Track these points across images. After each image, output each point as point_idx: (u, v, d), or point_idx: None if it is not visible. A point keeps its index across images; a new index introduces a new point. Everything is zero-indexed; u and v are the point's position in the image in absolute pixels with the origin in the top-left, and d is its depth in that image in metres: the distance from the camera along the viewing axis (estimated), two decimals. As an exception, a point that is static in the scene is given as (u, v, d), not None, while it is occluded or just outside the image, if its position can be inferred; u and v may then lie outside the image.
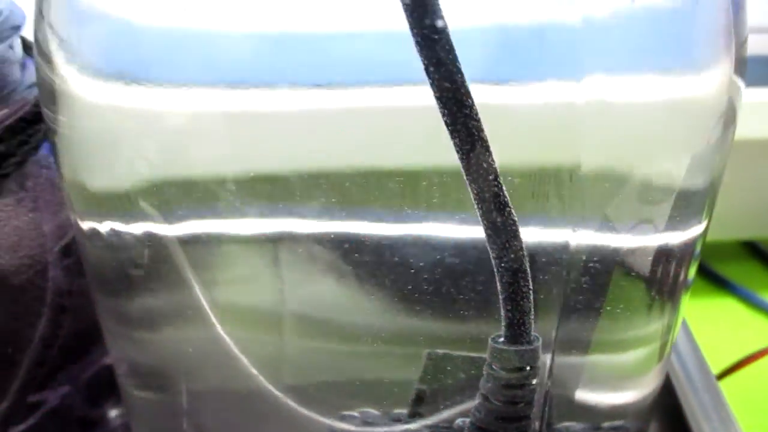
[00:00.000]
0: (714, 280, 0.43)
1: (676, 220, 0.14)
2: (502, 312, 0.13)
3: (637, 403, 0.17)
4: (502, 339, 0.13)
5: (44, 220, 0.17)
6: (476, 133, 0.11)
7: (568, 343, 0.14)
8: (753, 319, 0.41)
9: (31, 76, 0.17)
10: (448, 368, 0.15)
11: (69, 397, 0.19)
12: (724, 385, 0.26)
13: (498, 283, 0.13)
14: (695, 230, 0.15)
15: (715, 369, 0.28)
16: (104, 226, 0.14)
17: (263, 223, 0.13)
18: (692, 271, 0.16)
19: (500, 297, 0.13)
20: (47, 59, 0.13)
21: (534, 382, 0.14)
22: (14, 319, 0.16)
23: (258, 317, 0.15)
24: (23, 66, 0.17)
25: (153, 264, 0.14)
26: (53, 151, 0.14)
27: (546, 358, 0.15)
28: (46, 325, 0.17)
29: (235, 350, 0.14)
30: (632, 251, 0.14)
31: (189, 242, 0.13)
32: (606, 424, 0.17)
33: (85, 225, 0.14)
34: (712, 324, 0.40)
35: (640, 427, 0.18)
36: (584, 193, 0.13)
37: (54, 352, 0.17)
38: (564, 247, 0.13)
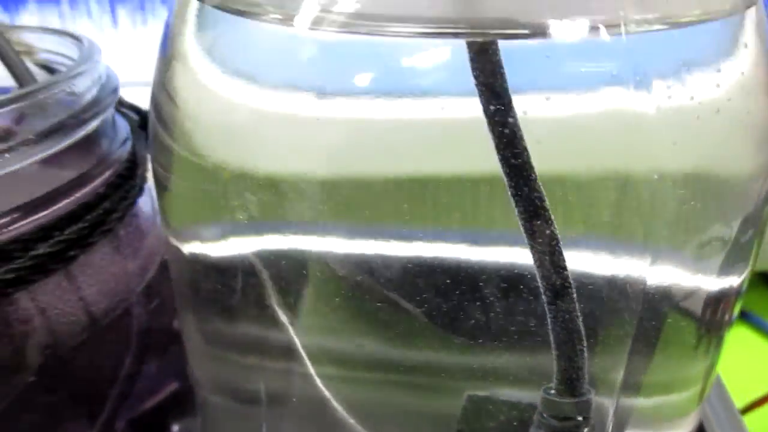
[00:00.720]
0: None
1: (734, 256, 0.15)
2: (555, 365, 0.14)
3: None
4: (553, 390, 0.15)
5: (129, 264, 0.18)
6: (539, 204, 0.13)
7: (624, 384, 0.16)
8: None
9: (120, 131, 0.19)
10: (489, 411, 0.17)
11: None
12: (748, 420, 0.27)
13: (552, 340, 0.14)
14: (748, 266, 0.16)
15: (738, 402, 0.29)
16: (205, 263, 0.15)
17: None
18: (737, 309, 0.17)
19: (553, 352, 0.14)
20: (165, 126, 0.14)
21: (586, 430, 0.15)
22: (104, 357, 0.18)
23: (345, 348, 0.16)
24: (114, 122, 0.19)
25: (246, 296, 0.15)
26: (160, 202, 0.15)
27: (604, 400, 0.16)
28: (131, 361, 0.18)
29: (320, 385, 0.16)
30: (694, 290, 0.15)
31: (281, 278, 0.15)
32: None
33: (187, 255, 0.16)
34: (730, 355, 0.41)
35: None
36: (662, 230, 0.14)
37: (141, 389, 0.18)
38: (640, 284, 0.14)
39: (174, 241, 0.16)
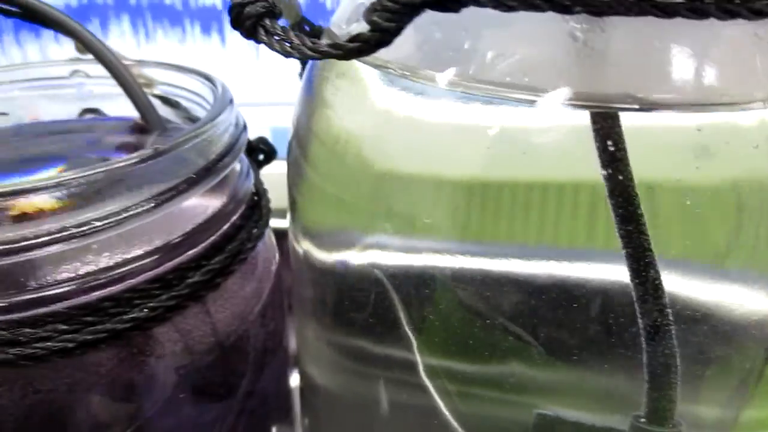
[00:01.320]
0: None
1: None
2: (646, 394, 0.16)
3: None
4: (643, 419, 0.16)
5: (248, 288, 0.20)
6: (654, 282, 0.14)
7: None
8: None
9: (244, 164, 0.20)
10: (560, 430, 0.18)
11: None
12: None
13: (645, 370, 0.15)
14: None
15: None
16: (340, 280, 0.17)
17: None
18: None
19: (646, 382, 0.15)
20: (309, 161, 0.16)
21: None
22: (224, 375, 0.19)
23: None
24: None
25: (375, 310, 0.17)
26: (295, 224, 0.17)
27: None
28: (249, 379, 0.20)
29: (434, 395, 0.17)
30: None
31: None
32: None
33: (321, 269, 0.17)
34: None
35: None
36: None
37: (254, 403, 0.20)
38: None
39: (308, 259, 0.17)
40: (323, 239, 0.17)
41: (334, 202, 0.16)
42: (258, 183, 0.20)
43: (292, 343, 0.22)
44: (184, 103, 0.22)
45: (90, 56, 0.21)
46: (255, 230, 0.18)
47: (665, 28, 0.11)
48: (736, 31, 0.12)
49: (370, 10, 0.12)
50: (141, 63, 0.22)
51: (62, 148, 0.22)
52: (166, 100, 0.22)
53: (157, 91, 0.22)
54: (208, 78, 0.20)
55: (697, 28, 0.11)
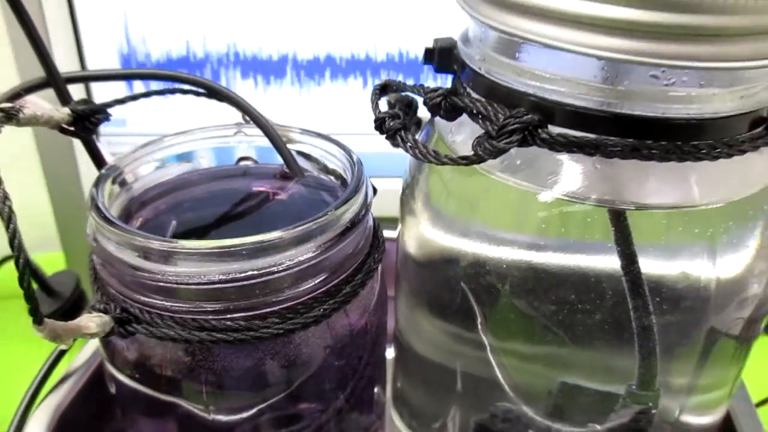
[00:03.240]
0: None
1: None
2: (637, 370, 0.24)
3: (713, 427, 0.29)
4: (635, 386, 0.25)
5: (367, 289, 0.29)
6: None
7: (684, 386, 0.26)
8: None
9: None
10: (580, 394, 0.27)
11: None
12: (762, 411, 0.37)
13: (637, 355, 0.24)
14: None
15: (755, 398, 0.40)
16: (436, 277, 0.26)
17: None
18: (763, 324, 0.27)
19: (637, 363, 0.24)
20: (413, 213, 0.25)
21: (653, 412, 0.25)
22: (352, 352, 0.28)
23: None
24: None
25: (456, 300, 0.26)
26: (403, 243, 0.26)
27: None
28: (368, 353, 0.29)
29: (495, 367, 0.26)
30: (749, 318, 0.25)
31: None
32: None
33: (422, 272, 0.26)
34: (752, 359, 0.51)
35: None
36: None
37: (369, 369, 0.29)
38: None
39: (414, 264, 0.26)
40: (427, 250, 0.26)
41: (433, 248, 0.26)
42: (373, 217, 0.29)
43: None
44: (316, 156, 0.31)
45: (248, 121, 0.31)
46: (376, 255, 0.27)
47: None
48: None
49: (476, 145, 0.21)
50: (286, 127, 0.31)
51: (231, 186, 0.31)
52: (303, 154, 0.31)
53: (297, 147, 0.31)
54: (335, 142, 0.29)
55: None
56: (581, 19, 0.18)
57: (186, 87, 0.30)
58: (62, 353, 0.31)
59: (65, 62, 0.45)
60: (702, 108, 0.19)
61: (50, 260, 0.49)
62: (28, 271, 0.21)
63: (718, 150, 0.19)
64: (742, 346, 0.27)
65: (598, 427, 0.27)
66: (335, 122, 0.49)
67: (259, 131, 0.31)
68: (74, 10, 0.45)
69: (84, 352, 0.33)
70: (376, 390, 0.32)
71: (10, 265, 0.28)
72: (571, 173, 0.21)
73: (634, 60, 0.18)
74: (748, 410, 0.35)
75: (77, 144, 0.34)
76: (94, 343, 0.33)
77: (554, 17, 0.18)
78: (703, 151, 0.19)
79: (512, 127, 0.20)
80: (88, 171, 0.44)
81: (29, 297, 0.21)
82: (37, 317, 0.21)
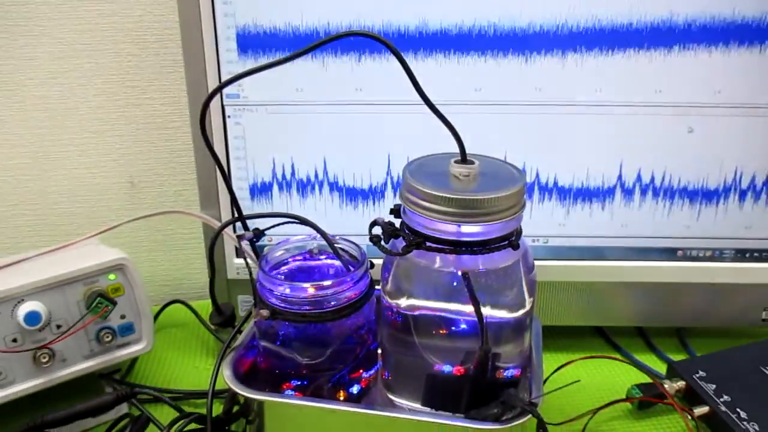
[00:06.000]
0: (612, 345, 0.89)
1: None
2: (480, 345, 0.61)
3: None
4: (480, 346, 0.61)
5: (371, 302, 0.66)
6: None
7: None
8: (630, 370, 0.83)
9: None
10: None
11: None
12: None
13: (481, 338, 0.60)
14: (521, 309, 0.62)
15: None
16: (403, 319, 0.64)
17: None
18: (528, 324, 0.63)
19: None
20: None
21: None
22: (363, 336, 0.66)
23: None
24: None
25: (412, 330, 0.63)
26: (388, 297, 0.64)
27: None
28: (370, 339, 0.66)
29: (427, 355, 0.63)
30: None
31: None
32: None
33: (396, 313, 0.64)
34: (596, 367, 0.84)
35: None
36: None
37: (368, 350, 0.67)
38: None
39: (393, 306, 0.64)
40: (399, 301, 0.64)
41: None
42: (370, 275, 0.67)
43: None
44: (345, 248, 0.69)
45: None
46: (371, 289, 0.65)
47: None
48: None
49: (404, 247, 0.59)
50: (333, 236, 0.69)
51: (311, 262, 0.70)
52: (343, 249, 0.69)
53: (338, 244, 0.69)
54: (353, 243, 0.68)
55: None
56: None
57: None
58: (238, 332, 0.68)
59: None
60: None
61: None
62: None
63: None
64: (521, 332, 0.63)
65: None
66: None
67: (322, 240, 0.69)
68: None
69: (244, 334, 0.67)
70: (373, 358, 0.69)
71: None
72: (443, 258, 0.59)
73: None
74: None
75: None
76: (250, 328, 0.68)
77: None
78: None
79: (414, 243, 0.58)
80: (230, 252, 0.83)
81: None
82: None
